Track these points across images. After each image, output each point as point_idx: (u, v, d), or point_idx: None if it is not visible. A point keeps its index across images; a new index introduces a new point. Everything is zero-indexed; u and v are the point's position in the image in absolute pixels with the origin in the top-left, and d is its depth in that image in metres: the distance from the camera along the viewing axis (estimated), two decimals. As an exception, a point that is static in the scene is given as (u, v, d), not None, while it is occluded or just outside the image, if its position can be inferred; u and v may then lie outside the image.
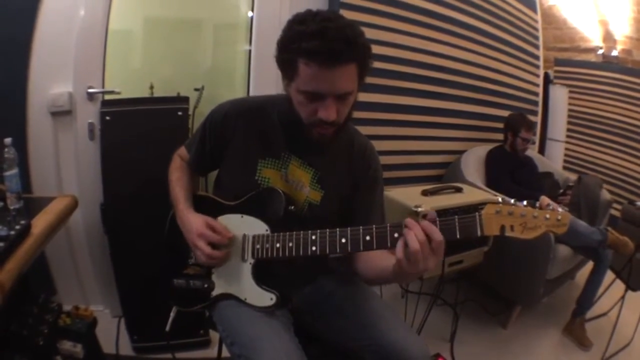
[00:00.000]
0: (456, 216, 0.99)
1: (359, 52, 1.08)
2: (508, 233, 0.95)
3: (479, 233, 0.97)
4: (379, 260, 1.20)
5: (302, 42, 1.05)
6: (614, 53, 4.98)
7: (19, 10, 2.01)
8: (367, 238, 1.08)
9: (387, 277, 1.16)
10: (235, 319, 1.24)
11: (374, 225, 1.09)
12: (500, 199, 0.97)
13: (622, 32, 4.82)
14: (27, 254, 1.23)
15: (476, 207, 0.99)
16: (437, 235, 0.98)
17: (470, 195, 2.42)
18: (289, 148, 1.31)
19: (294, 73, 1.11)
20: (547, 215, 0.94)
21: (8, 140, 1.46)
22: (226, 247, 1.27)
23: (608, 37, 5.00)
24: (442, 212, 1.07)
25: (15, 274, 1.15)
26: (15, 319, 1.48)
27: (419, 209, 2.00)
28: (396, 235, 1.04)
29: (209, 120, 1.39)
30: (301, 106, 1.16)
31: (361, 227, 1.10)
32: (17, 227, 1.25)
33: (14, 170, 1.47)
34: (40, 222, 1.39)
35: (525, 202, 0.96)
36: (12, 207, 1.46)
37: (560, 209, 0.96)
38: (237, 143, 1.33)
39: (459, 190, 2.46)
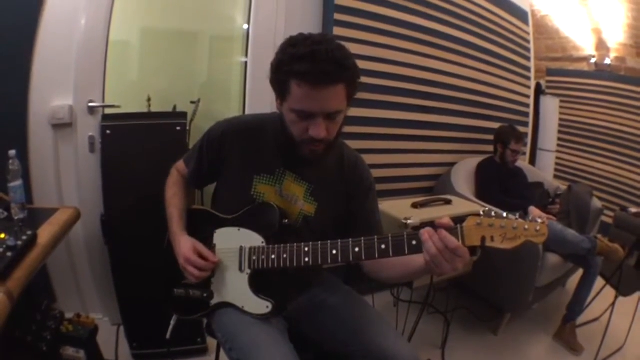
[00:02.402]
0: (439, 229, 1.05)
1: (347, 73, 1.14)
2: (488, 243, 1.01)
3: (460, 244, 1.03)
4: (407, 261, 1.24)
5: (294, 64, 1.11)
6: (607, 61, 5.02)
7: (20, 23, 2.04)
8: (356, 250, 1.14)
9: (416, 275, 1.24)
10: (234, 326, 1.29)
11: (362, 238, 1.15)
12: (482, 212, 1.02)
13: (616, 39, 4.86)
14: (33, 263, 1.27)
15: (461, 219, 1.04)
16: (451, 242, 1.03)
17: (459, 207, 2.47)
18: (283, 164, 1.37)
19: (286, 93, 1.18)
20: (526, 226, 0.99)
21: (12, 152, 1.49)
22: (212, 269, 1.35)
23: (601, 46, 5.04)
24: (428, 224, 1.14)
25: (23, 282, 1.19)
26: (19, 325, 1.52)
27: (409, 221, 2.05)
28: (383, 247, 1.11)
29: (206, 138, 1.44)
30: (293, 124, 1.22)
31: (350, 239, 1.16)
32: (24, 237, 1.28)
33: (19, 182, 1.51)
34: (45, 233, 1.42)
35: (505, 214, 1.02)
36: (16, 218, 1.50)
37: (539, 220, 1.01)
38: (233, 160, 1.39)
39: (448, 202, 2.51)
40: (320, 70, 1.10)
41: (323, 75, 1.11)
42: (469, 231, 1.03)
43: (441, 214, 2.26)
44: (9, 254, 1.19)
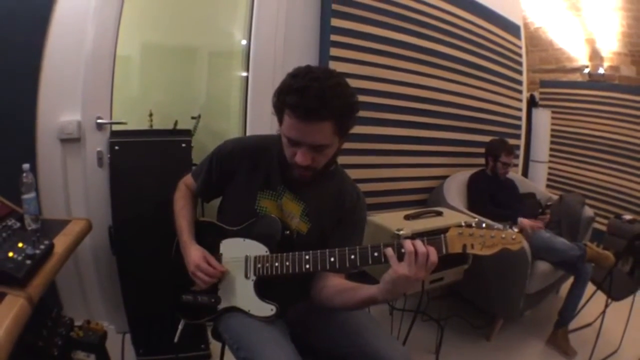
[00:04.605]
0: (425, 237, 1.16)
1: (334, 112, 1.22)
2: (469, 250, 1.13)
3: (444, 251, 1.16)
4: (357, 291, 1.34)
5: (287, 96, 1.22)
6: (600, 71, 5.07)
7: (27, 38, 2.09)
8: (352, 257, 1.26)
9: (368, 298, 1.30)
10: (241, 327, 1.40)
11: (357, 247, 1.26)
12: (463, 222, 1.14)
13: (610, 48, 4.90)
14: (51, 271, 1.36)
15: (445, 230, 1.16)
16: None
17: (450, 218, 2.53)
18: (283, 183, 1.48)
19: (281, 119, 1.29)
20: (503, 235, 1.12)
21: (26, 166, 1.57)
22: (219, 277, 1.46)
23: (594, 55, 5.09)
24: (418, 235, 1.28)
25: (41, 289, 1.28)
26: (31, 331, 1.58)
27: (401, 232, 2.15)
28: (376, 254, 1.22)
29: (215, 155, 1.55)
30: (285, 147, 1.35)
31: (347, 247, 1.27)
32: (42, 246, 1.37)
33: (32, 194, 1.58)
34: (60, 243, 1.51)
35: (484, 224, 1.13)
36: (29, 228, 1.57)
37: (515, 229, 1.12)
38: (240, 176, 1.50)
39: (439, 214, 2.58)
40: (304, 106, 1.19)
41: (306, 111, 1.20)
42: (452, 240, 1.15)
43: (432, 225, 2.34)
44: (28, 261, 1.28)
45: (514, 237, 1.12)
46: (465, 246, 1.14)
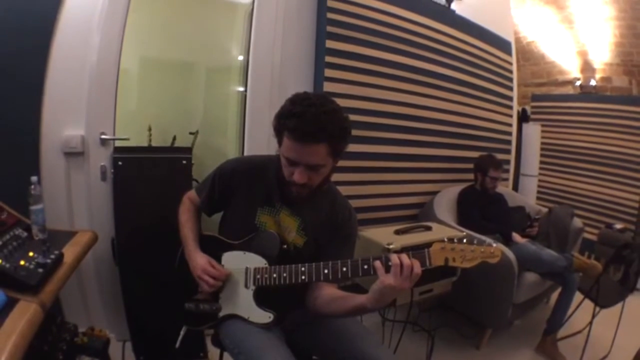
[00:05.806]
0: (410, 252, 1.27)
1: (329, 135, 1.35)
2: (451, 263, 1.25)
3: (427, 264, 1.26)
4: (348, 300, 1.44)
5: (287, 120, 1.34)
6: (592, 83, 5.17)
7: (31, 52, 2.13)
8: (344, 269, 1.36)
9: (358, 306, 1.39)
10: (241, 333, 1.49)
11: (349, 260, 1.37)
12: (445, 238, 1.25)
13: (602, 59, 5.01)
14: (61, 279, 1.44)
15: (428, 244, 1.27)
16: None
17: (439, 233, 2.61)
18: (281, 199, 1.58)
19: (281, 140, 1.41)
20: (482, 250, 1.24)
21: (34, 179, 1.63)
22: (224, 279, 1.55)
23: (586, 67, 5.19)
24: (407, 249, 1.40)
25: (53, 295, 1.36)
26: (36, 336, 1.67)
27: (391, 246, 2.24)
28: (365, 267, 1.33)
29: (218, 174, 1.66)
30: (284, 167, 1.46)
31: (339, 260, 1.38)
32: (52, 256, 1.45)
33: (40, 206, 1.64)
34: (69, 252, 1.58)
35: (465, 240, 1.24)
36: (37, 238, 1.63)
37: (494, 244, 1.22)
38: (241, 193, 1.61)
39: (428, 228, 2.66)
40: (302, 130, 1.32)
41: (304, 134, 1.33)
42: (435, 254, 1.27)
43: (421, 239, 2.42)
44: (39, 270, 1.35)
45: (492, 251, 1.23)
46: (447, 259, 1.25)
